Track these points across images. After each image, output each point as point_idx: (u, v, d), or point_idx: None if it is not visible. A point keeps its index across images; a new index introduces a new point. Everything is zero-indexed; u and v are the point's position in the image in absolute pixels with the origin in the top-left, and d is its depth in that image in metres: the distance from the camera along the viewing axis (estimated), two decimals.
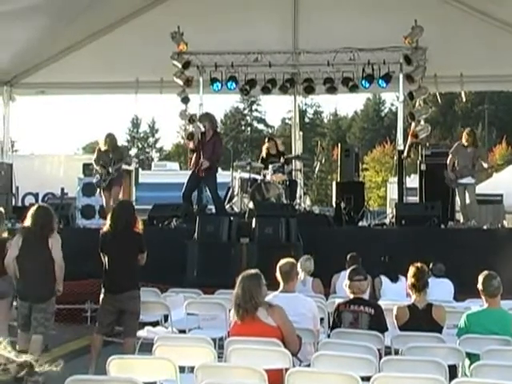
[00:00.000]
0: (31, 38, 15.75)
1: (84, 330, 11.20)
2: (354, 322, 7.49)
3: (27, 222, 9.09)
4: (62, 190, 16.50)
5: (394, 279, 10.49)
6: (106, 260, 9.04)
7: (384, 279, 10.55)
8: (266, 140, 17.01)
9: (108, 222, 9.21)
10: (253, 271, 6.75)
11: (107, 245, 9.05)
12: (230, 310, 7.12)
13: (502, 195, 16.33)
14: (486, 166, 14.92)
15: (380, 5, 16.41)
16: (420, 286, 7.60)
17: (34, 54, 17.30)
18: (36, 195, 19.51)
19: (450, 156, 14.66)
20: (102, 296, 9.10)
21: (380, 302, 9.11)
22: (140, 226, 9.19)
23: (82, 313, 12.49)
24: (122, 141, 66.44)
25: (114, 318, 8.99)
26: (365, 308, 7.50)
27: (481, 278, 7.33)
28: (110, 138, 14.86)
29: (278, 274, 7.55)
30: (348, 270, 7.97)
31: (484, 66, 16.77)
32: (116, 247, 8.97)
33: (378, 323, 7.45)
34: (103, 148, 14.74)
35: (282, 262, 7.71)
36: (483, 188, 15.74)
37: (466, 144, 14.64)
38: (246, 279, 6.61)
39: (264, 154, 16.49)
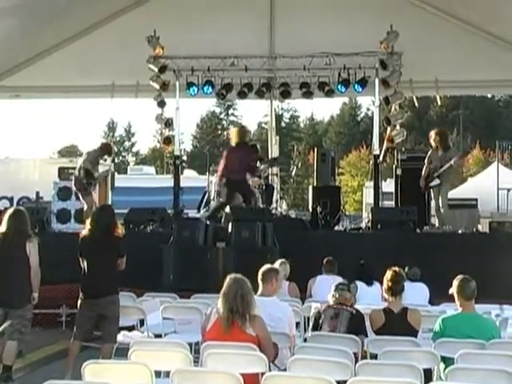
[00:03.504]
0: (5, 40, 15.62)
1: (59, 335, 11.17)
2: (335, 317, 7.63)
3: (3, 227, 9.02)
4: (37, 193, 16.41)
5: (368, 283, 10.52)
6: (84, 264, 8.96)
7: (359, 284, 10.58)
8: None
9: (87, 226, 9.16)
10: (243, 277, 6.66)
11: (86, 249, 9.00)
12: (205, 314, 7.04)
13: (476, 200, 16.43)
14: (452, 162, 14.77)
15: (356, 10, 16.45)
16: (397, 290, 7.68)
17: (8, 58, 17.15)
18: (11, 199, 19.34)
19: (426, 164, 14.73)
20: (80, 301, 9.02)
21: (356, 307, 9.20)
22: (120, 231, 9.16)
23: (57, 317, 12.45)
24: (97, 145, 66.30)
25: (93, 323, 8.93)
26: (347, 307, 7.67)
27: (457, 282, 7.35)
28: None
29: (258, 277, 7.63)
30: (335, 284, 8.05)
31: (459, 71, 16.95)
32: (95, 251, 8.92)
33: (357, 324, 7.59)
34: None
35: (265, 265, 7.84)
36: (458, 193, 15.82)
37: (434, 145, 14.70)
38: (239, 285, 6.55)
39: None
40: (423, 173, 14.70)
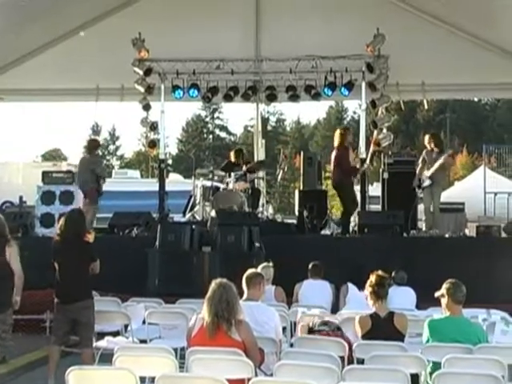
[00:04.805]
0: None
1: (43, 341, 11.00)
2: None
3: None
4: (21, 198, 16.23)
5: (360, 288, 10.48)
6: (57, 269, 8.97)
7: (351, 286, 10.55)
8: (234, 151, 16.93)
9: (57, 230, 9.17)
10: (228, 282, 6.62)
11: (58, 254, 9.00)
12: (190, 319, 7.01)
13: (463, 204, 16.42)
14: (441, 160, 14.72)
15: (342, 13, 16.44)
16: (383, 293, 7.63)
17: None
18: None
19: (420, 165, 14.80)
20: (55, 306, 9.04)
21: (344, 311, 9.20)
22: (90, 236, 9.10)
23: (41, 323, 12.29)
24: (82, 148, 66.10)
25: (68, 328, 8.92)
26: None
27: (447, 285, 7.33)
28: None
29: (243, 282, 7.57)
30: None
31: (446, 74, 16.91)
32: (66, 256, 8.92)
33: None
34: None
35: (249, 270, 7.80)
36: (446, 196, 15.78)
37: (430, 148, 14.76)
38: (224, 289, 6.51)
39: (231, 160, 16.45)
40: (417, 172, 14.79)
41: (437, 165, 14.46)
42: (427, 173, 14.53)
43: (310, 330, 7.75)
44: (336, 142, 15.43)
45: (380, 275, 7.73)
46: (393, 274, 10.24)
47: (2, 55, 16.99)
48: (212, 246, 13.11)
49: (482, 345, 7.07)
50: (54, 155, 63.21)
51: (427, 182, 14.54)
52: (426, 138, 15.35)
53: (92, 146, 15.59)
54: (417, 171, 14.84)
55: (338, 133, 15.70)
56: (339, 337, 7.51)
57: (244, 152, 17.30)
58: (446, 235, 14.20)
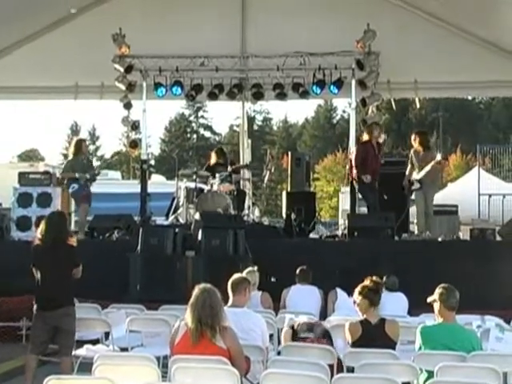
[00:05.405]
0: None
1: (19, 350, 10.85)
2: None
3: None
4: None
5: (350, 293, 10.28)
6: (38, 275, 8.76)
7: (340, 292, 10.33)
8: (215, 151, 16.68)
9: (39, 235, 8.96)
10: (212, 287, 6.51)
11: (39, 259, 8.80)
12: (173, 326, 6.96)
13: (456, 206, 16.31)
14: (428, 168, 14.46)
15: (331, 8, 16.35)
16: (376, 300, 7.50)
17: None
18: None
19: (409, 166, 14.64)
20: (34, 313, 8.85)
21: (332, 318, 9.21)
22: (73, 239, 8.96)
23: (17, 331, 12.13)
24: (60, 148, 66.02)
25: (48, 336, 8.73)
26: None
27: (440, 290, 7.21)
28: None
29: (228, 287, 7.53)
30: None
31: (438, 72, 16.82)
32: (48, 261, 8.73)
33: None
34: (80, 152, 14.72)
35: (235, 275, 7.77)
36: (439, 198, 15.65)
37: (416, 147, 14.54)
38: (208, 295, 6.39)
39: (212, 162, 16.18)
40: (407, 173, 14.59)
41: (423, 172, 14.23)
42: (416, 176, 14.29)
43: (294, 336, 7.63)
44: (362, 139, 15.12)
45: (375, 281, 7.64)
46: (384, 279, 10.09)
47: None
48: (196, 250, 12.95)
49: (476, 352, 6.98)
50: (30, 155, 63.11)
51: (416, 186, 14.31)
52: (412, 137, 15.23)
53: (74, 149, 15.21)
54: (406, 172, 14.62)
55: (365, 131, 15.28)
56: (325, 344, 7.39)
57: (225, 151, 17.07)
58: (439, 238, 14.11)
